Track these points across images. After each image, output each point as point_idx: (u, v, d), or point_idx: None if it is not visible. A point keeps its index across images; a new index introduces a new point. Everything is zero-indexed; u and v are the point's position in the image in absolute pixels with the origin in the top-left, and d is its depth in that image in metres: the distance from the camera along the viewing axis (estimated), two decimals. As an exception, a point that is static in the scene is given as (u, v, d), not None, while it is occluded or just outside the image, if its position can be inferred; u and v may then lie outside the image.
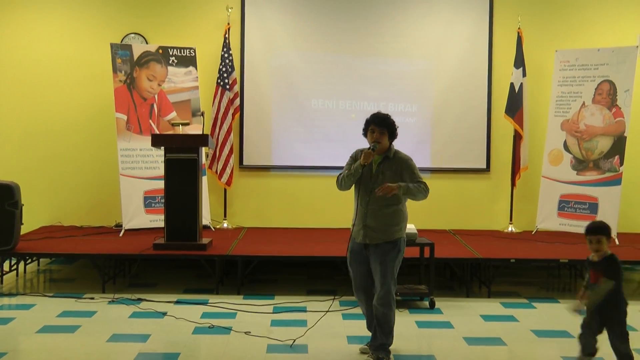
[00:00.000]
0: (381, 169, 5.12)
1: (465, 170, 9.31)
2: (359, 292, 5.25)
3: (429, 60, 9.25)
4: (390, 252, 5.06)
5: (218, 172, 8.84)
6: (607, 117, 8.43)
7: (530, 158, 9.03)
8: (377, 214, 5.06)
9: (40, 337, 5.67)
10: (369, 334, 5.84)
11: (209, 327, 5.95)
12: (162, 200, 7.63)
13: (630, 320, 6.40)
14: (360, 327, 6.01)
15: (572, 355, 5.36)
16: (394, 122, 5.21)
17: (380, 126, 5.15)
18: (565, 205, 8.64)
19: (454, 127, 9.25)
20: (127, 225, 8.32)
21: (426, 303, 6.82)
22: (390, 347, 5.30)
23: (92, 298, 6.86)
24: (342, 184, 5.18)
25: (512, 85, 8.87)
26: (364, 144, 9.05)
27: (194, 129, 8.41)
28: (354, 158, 5.23)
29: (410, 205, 9.03)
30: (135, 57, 8.53)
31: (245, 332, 5.76)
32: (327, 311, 5.97)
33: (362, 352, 5.34)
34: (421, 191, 5.09)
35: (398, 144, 9.04)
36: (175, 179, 7.31)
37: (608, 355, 5.40)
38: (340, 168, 5.31)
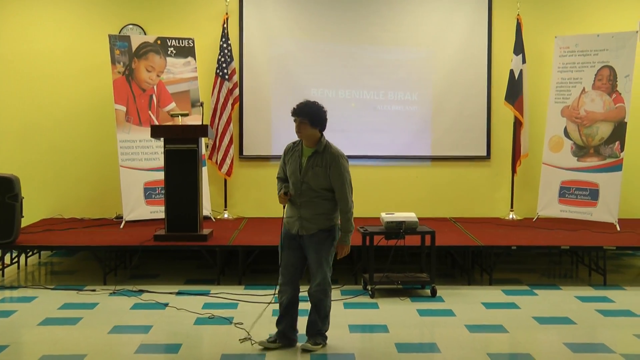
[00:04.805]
0: (311, 164, 5.05)
1: (465, 157, 9.29)
2: (285, 278, 5.17)
3: (428, 48, 9.21)
4: (326, 240, 5.07)
5: (218, 163, 8.83)
6: (607, 103, 8.41)
7: (530, 145, 9.01)
8: (311, 204, 5.04)
9: (42, 329, 5.67)
10: (371, 322, 5.89)
11: (208, 317, 5.95)
12: (163, 192, 7.62)
13: (631, 306, 6.43)
14: (362, 317, 6.04)
15: (573, 342, 5.38)
16: (315, 109, 5.03)
17: (298, 115, 5.01)
18: (566, 192, 8.63)
19: (455, 114, 9.22)
20: (128, 216, 8.32)
21: (428, 291, 6.82)
22: (391, 335, 5.30)
23: (94, 290, 6.87)
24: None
25: (511, 72, 8.84)
26: (364, 132, 9.09)
27: (194, 119, 8.39)
28: (285, 153, 5.25)
29: (411, 193, 9.17)
30: (134, 48, 8.50)
31: (236, 324, 5.74)
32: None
33: (262, 345, 5.21)
34: (347, 218, 5.05)
35: (399, 132, 9.18)
36: (175, 170, 7.30)
37: (608, 340, 5.42)
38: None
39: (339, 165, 5.02)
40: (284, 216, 5.24)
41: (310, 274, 5.15)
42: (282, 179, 5.31)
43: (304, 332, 5.31)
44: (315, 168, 5.03)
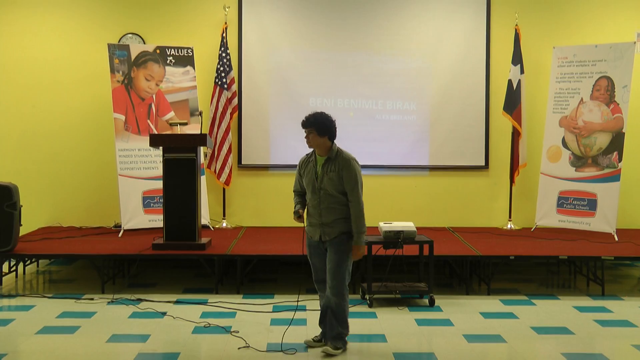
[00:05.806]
0: (325, 170, 5.25)
1: (464, 167, 9.30)
2: (320, 284, 5.39)
3: (427, 58, 9.23)
4: (347, 242, 5.22)
5: (217, 172, 8.84)
6: (605, 113, 8.43)
7: (528, 155, 9.02)
8: (330, 210, 5.21)
9: (40, 338, 5.66)
10: (369, 331, 5.88)
11: (204, 326, 5.94)
12: (161, 200, 7.62)
13: (629, 316, 6.42)
14: (358, 326, 6.02)
15: (571, 352, 5.37)
16: (321, 119, 5.33)
17: (306, 126, 5.33)
18: (564, 202, 8.64)
19: (453, 124, 9.23)
20: (126, 225, 8.31)
21: (426, 301, 6.81)
22: (389, 345, 5.30)
23: (92, 299, 6.86)
24: None
25: (510, 82, 8.86)
26: (362, 142, 9.10)
27: (192, 128, 8.40)
28: (300, 166, 5.46)
29: (409, 202, 9.18)
30: (133, 57, 8.52)
31: (232, 332, 5.74)
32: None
33: (308, 344, 5.41)
34: (359, 219, 5.22)
35: (397, 142, 9.18)
36: (174, 179, 7.30)
37: (606, 350, 5.42)
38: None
39: (350, 168, 5.22)
40: (305, 225, 5.40)
41: (328, 277, 5.23)
42: (298, 192, 5.47)
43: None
44: (329, 174, 5.21)
